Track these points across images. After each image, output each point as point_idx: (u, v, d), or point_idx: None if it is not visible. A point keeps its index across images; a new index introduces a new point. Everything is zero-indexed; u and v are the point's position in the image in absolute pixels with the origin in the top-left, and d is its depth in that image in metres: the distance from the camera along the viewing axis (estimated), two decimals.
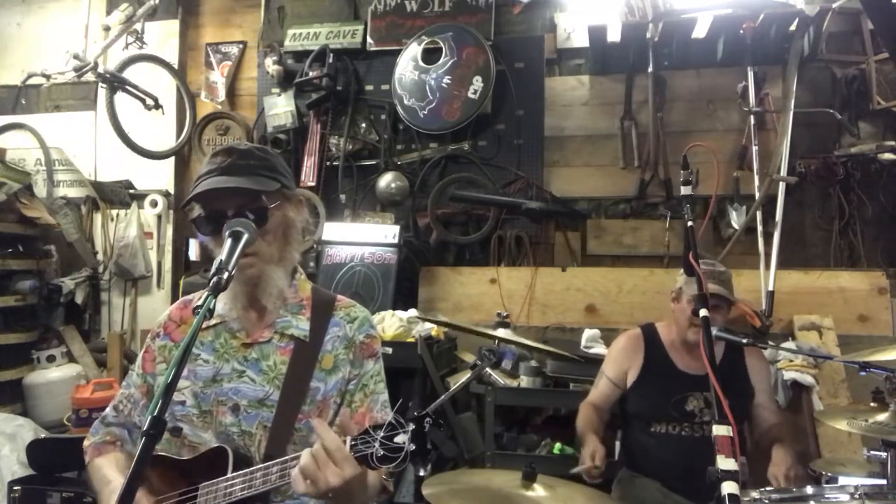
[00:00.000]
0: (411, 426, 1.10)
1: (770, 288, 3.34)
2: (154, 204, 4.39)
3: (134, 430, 1.56)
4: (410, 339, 3.17)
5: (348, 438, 1.16)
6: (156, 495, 1.40)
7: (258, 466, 1.29)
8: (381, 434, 1.12)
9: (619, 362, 2.55)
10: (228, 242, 1.27)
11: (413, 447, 1.09)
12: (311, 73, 4.08)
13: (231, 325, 1.50)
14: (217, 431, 1.44)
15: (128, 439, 1.57)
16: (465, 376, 2.57)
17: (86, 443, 1.58)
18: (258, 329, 1.50)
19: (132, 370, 1.61)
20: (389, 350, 3.07)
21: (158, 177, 4.43)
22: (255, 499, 1.29)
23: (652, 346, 2.53)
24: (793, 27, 3.43)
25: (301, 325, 1.50)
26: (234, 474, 1.31)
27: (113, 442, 1.57)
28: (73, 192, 4.52)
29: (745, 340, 1.97)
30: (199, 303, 1.15)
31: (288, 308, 1.52)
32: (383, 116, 4.13)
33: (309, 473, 1.15)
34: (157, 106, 4.22)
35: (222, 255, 1.24)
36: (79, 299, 4.32)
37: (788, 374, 3.03)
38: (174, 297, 4.20)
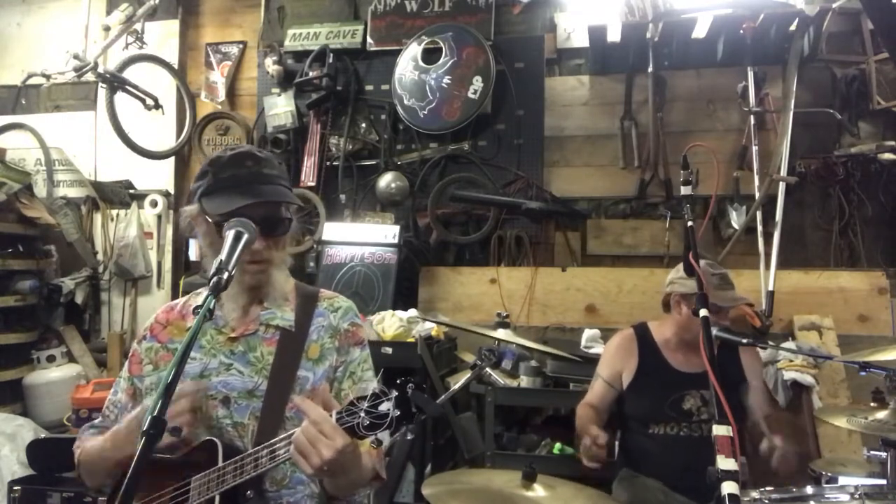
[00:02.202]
0: (394, 393, 1.13)
1: (770, 288, 3.35)
2: (154, 204, 4.39)
3: None
4: (410, 339, 3.17)
5: (334, 412, 1.19)
6: (146, 496, 1.40)
7: (248, 452, 1.31)
8: (366, 404, 1.15)
9: (613, 363, 2.54)
10: (229, 242, 1.28)
11: (398, 413, 1.13)
12: (311, 73, 4.08)
13: (216, 321, 1.52)
14: (209, 426, 1.45)
15: None
16: (465, 376, 2.57)
17: (75, 446, 1.57)
18: (243, 323, 1.52)
19: (119, 377, 1.61)
20: (389, 350, 3.08)
21: (158, 177, 4.43)
22: (247, 485, 1.30)
23: (645, 346, 2.52)
24: (793, 27, 3.43)
25: (286, 316, 1.53)
26: (225, 463, 1.32)
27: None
28: (73, 192, 4.52)
29: (745, 341, 1.97)
30: (200, 302, 1.16)
31: (272, 300, 1.54)
32: (383, 116, 4.13)
33: (302, 449, 1.18)
34: (157, 106, 4.22)
35: (222, 255, 1.24)
36: (79, 299, 4.32)
37: (788, 374, 3.03)
38: (174, 297, 4.16)
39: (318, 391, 1.47)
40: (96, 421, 1.60)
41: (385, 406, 1.13)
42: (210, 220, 1.44)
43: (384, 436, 1.16)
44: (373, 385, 1.53)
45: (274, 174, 1.49)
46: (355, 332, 1.57)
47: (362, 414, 1.15)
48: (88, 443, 1.52)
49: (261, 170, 1.47)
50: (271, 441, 1.27)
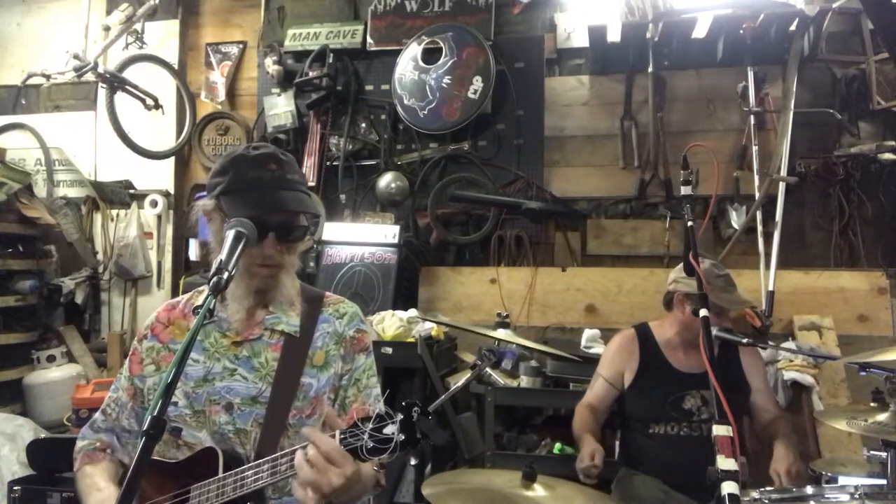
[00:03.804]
0: (399, 416, 1.10)
1: (770, 288, 3.35)
2: (154, 204, 4.39)
3: (123, 434, 1.55)
4: (410, 339, 3.17)
5: (337, 432, 1.16)
6: (145, 500, 1.40)
7: (249, 465, 1.29)
8: (370, 426, 1.12)
9: (614, 363, 2.54)
10: (229, 242, 1.26)
11: (402, 437, 1.09)
12: (311, 73, 4.08)
13: (220, 323, 1.49)
14: (211, 431, 1.43)
15: (117, 445, 1.55)
16: (465, 376, 2.57)
17: (76, 448, 1.56)
18: (248, 327, 1.49)
19: (120, 374, 1.59)
20: (389, 350, 3.08)
21: (158, 177, 4.43)
22: (247, 497, 1.29)
23: (647, 347, 2.52)
24: (793, 27, 3.43)
25: (291, 321, 1.50)
26: (226, 474, 1.30)
27: (103, 449, 1.54)
28: (73, 192, 4.52)
29: (745, 340, 1.98)
30: (199, 302, 1.15)
31: (277, 305, 1.52)
32: (383, 116, 4.14)
33: (309, 482, 1.16)
34: (157, 106, 4.22)
35: (222, 255, 1.23)
36: (79, 299, 4.32)
37: (788, 374, 3.03)
38: (174, 297, 4.20)
39: (320, 400, 1.46)
40: (98, 419, 1.57)
41: (389, 429, 1.10)
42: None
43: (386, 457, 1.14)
44: (376, 391, 1.52)
45: (296, 179, 1.46)
46: (361, 339, 1.55)
47: (365, 437, 1.11)
48: (88, 469, 1.50)
49: (284, 174, 1.44)
50: (273, 456, 1.25)
